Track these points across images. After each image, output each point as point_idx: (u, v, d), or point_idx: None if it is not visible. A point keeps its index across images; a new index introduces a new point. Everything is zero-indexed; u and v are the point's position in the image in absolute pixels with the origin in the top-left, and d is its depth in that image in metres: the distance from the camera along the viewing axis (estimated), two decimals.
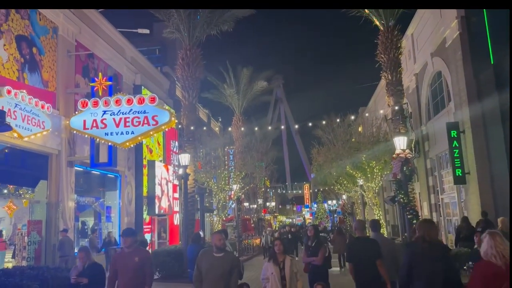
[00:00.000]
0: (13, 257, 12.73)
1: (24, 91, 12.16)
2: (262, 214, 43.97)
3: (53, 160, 14.10)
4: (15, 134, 11.61)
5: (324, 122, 22.22)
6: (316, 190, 67.61)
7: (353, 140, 21.16)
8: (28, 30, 13.31)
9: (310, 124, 21.68)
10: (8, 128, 6.50)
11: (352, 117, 21.90)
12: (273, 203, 61.25)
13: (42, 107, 12.91)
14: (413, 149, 17.77)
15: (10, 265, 11.50)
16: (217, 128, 39.20)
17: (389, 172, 17.70)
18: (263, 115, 54.07)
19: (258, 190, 40.07)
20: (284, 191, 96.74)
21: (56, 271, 8.27)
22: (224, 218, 28.13)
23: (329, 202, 52.58)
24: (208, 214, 25.82)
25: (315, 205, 76.55)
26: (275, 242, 6.18)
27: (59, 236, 13.38)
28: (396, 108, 15.95)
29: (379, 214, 19.60)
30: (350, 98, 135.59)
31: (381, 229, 19.00)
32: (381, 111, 21.09)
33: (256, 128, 29.74)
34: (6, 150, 12.41)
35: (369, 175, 19.48)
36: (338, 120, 21.81)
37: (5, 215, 13.14)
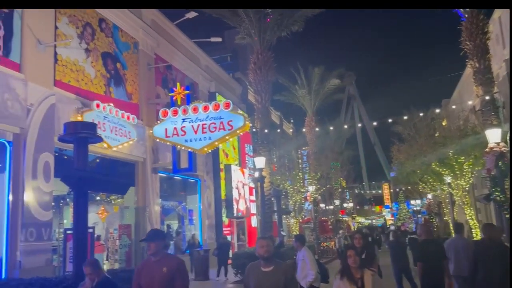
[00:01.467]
0: (107, 259, 13.68)
1: (111, 104, 13.07)
2: (340, 215, 42.95)
3: (139, 167, 14.98)
4: (105, 145, 12.50)
5: (405, 117, 21.07)
6: (397, 189, 64.65)
7: (437, 134, 19.79)
8: (112, 47, 14.28)
9: (390, 120, 20.65)
10: (99, 139, 6.91)
11: (437, 110, 20.49)
12: (351, 204, 59.51)
13: (128, 118, 13.77)
14: (508, 141, 16.17)
15: (104, 268, 12.33)
16: (289, 130, 39.11)
17: (481, 168, 16.25)
18: (336, 114, 52.78)
19: (334, 191, 39.24)
20: (361, 191, 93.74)
21: None
22: (301, 220, 27.91)
23: (412, 202, 49.87)
24: (285, 216, 25.80)
25: (397, 206, 73.22)
26: (347, 252, 4.45)
27: None
28: (486, 98, 14.65)
29: (470, 214, 18.12)
30: (430, 92, 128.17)
31: (474, 230, 17.69)
32: (469, 102, 19.49)
33: (330, 128, 29.08)
34: (97, 160, 13.41)
35: (457, 172, 18.10)
36: (420, 114, 20.55)
37: (98, 220, 14.17)
